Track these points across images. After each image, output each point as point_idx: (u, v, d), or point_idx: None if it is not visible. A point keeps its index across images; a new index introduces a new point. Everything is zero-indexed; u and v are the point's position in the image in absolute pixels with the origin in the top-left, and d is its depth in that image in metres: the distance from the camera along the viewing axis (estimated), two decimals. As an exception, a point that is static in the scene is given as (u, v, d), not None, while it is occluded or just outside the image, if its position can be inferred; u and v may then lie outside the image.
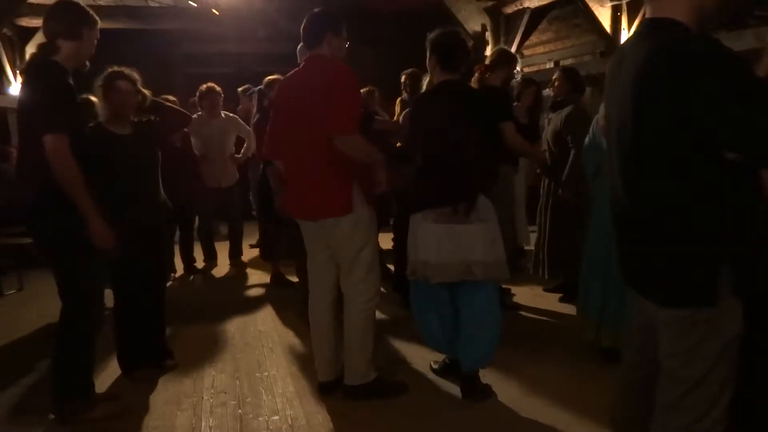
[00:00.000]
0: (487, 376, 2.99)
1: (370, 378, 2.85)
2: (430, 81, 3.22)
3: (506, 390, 2.91)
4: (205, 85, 5.51)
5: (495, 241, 2.73)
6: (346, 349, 2.84)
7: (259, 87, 4.81)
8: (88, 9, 2.65)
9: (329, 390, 2.92)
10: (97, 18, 2.68)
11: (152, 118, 3.22)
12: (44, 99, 2.45)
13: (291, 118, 2.72)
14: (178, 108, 3.70)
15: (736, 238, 1.44)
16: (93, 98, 3.64)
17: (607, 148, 1.80)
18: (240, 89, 6.22)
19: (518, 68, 4.61)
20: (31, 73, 2.54)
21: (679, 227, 1.45)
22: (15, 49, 7.48)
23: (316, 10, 2.74)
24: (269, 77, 4.78)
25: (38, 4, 6.10)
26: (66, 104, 2.46)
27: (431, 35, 2.88)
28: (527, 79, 5.20)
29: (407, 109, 3.19)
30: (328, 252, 2.85)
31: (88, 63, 2.67)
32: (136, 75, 3.07)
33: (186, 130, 5.16)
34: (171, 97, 4.95)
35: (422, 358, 3.32)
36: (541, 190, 4.41)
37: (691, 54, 1.33)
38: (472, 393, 2.83)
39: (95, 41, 2.68)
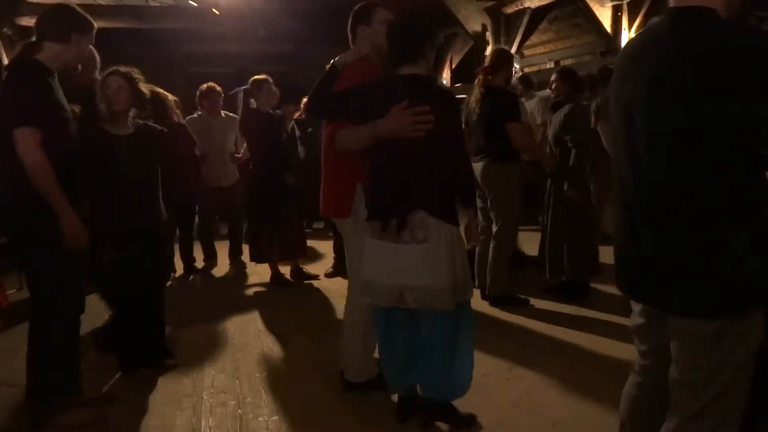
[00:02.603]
0: (490, 376, 2.99)
1: (373, 374, 2.85)
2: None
3: (512, 389, 2.90)
4: (205, 85, 5.52)
5: (435, 265, 2.28)
6: (348, 346, 2.85)
7: (244, 87, 4.81)
8: (83, 15, 2.61)
9: (357, 389, 2.89)
10: (93, 24, 2.64)
11: (158, 126, 3.22)
12: (17, 94, 2.43)
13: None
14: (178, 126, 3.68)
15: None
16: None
17: (614, 147, 1.64)
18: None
19: (516, 66, 4.61)
20: (9, 72, 2.52)
21: (716, 232, 1.36)
22: (15, 48, 7.49)
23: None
24: (255, 77, 4.78)
25: (38, 4, 6.10)
26: (40, 100, 2.43)
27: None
28: None
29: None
30: None
31: (80, 66, 2.65)
32: (134, 73, 3.04)
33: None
34: (171, 96, 4.96)
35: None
36: (546, 189, 4.41)
37: (747, 47, 1.28)
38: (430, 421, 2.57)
39: (87, 47, 2.64)
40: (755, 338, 1.44)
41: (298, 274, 5.11)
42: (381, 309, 2.51)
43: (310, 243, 6.35)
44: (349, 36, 2.76)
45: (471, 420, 2.59)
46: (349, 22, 2.75)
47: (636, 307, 1.68)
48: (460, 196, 2.48)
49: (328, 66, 2.53)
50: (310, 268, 5.31)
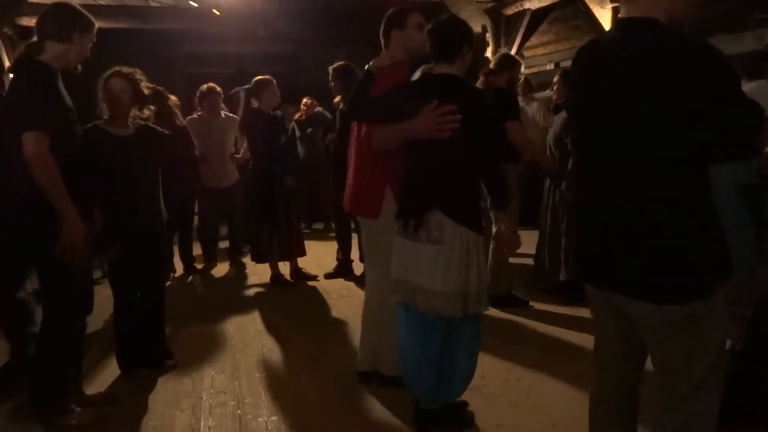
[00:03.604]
0: (490, 377, 2.99)
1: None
2: None
3: (511, 389, 2.91)
4: (205, 85, 5.52)
5: (447, 268, 2.28)
6: (382, 341, 2.90)
7: (246, 86, 4.81)
8: (83, 13, 2.61)
9: (367, 379, 2.99)
10: (93, 22, 2.64)
11: (159, 128, 3.22)
12: (24, 97, 2.43)
13: None
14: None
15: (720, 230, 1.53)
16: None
17: (579, 145, 1.71)
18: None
19: (522, 71, 4.62)
20: (15, 73, 2.53)
21: (687, 223, 1.46)
22: (15, 49, 7.48)
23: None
24: (259, 77, 4.79)
25: (38, 4, 6.10)
26: (47, 103, 2.43)
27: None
28: None
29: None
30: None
31: (79, 66, 2.64)
32: (137, 74, 3.05)
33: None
34: (173, 97, 4.96)
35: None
36: (545, 190, 4.42)
37: (706, 55, 1.40)
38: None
39: (88, 45, 2.64)
40: (724, 320, 1.56)
41: (298, 274, 5.11)
42: (407, 307, 2.47)
43: (310, 243, 6.36)
44: (382, 40, 2.80)
45: (469, 419, 2.61)
46: (382, 26, 2.79)
47: (598, 303, 1.73)
48: (490, 198, 2.48)
49: (364, 70, 2.59)
50: (310, 269, 5.32)
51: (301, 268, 5.17)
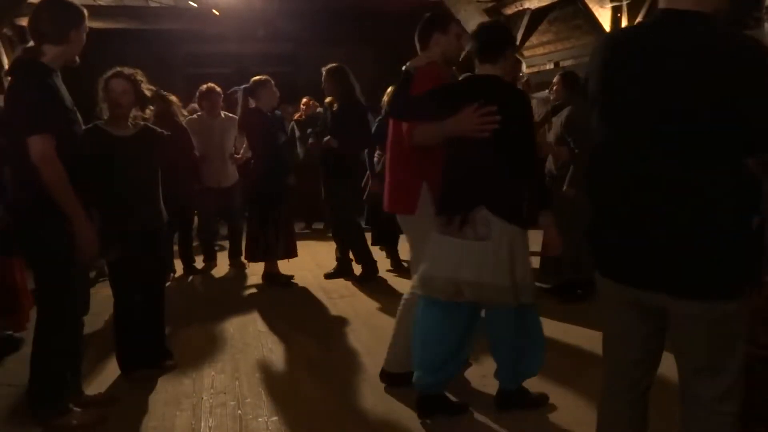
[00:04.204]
0: (490, 377, 2.99)
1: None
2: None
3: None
4: (205, 86, 5.51)
5: (496, 263, 2.37)
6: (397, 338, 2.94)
7: (244, 86, 4.81)
8: (75, 7, 2.56)
9: (397, 382, 2.95)
10: (84, 11, 2.60)
11: (160, 129, 3.23)
12: (27, 101, 2.42)
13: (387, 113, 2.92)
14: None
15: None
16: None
17: (605, 138, 1.65)
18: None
19: (523, 70, 4.62)
20: (13, 76, 2.51)
21: (735, 217, 1.45)
22: (15, 49, 7.49)
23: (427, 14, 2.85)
24: (257, 77, 4.79)
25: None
26: (49, 105, 2.43)
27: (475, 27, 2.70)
28: None
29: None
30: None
31: (77, 59, 2.63)
32: (138, 75, 3.04)
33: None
34: (173, 97, 4.97)
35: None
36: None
37: (759, 52, 1.40)
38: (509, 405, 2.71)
39: (83, 39, 2.61)
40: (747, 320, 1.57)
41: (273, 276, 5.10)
42: (434, 303, 2.53)
43: (310, 243, 6.36)
44: (419, 39, 2.86)
45: (543, 399, 2.75)
46: (423, 26, 2.85)
47: (622, 304, 1.68)
48: (533, 197, 2.51)
49: (402, 71, 2.66)
50: (310, 268, 5.31)
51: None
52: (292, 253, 5.03)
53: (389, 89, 4.99)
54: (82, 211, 2.49)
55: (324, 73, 4.81)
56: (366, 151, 5.06)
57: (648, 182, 1.51)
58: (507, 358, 2.64)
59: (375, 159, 5.07)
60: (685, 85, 1.42)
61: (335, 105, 4.92)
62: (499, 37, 2.53)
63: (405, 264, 5.17)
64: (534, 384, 2.95)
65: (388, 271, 5.30)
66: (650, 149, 1.50)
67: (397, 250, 5.37)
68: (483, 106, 2.33)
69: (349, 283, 4.99)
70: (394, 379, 2.96)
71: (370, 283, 4.97)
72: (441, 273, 2.45)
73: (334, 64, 4.82)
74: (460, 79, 2.74)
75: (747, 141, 1.43)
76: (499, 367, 2.70)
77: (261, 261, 5.05)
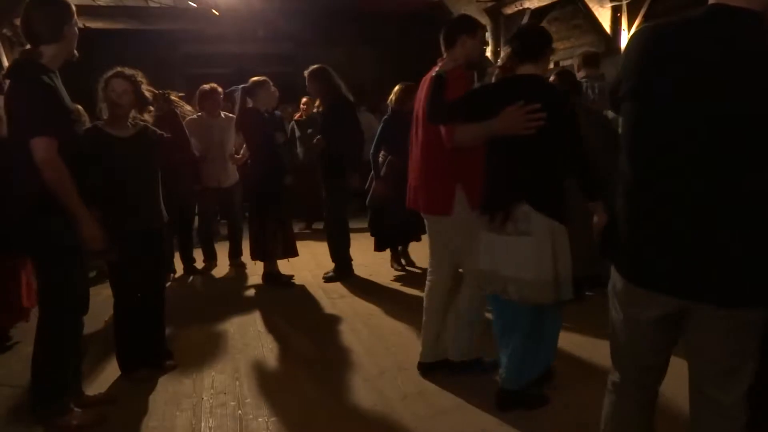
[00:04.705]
0: (490, 376, 2.99)
1: (472, 356, 3.03)
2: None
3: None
4: (207, 86, 5.50)
5: (538, 258, 2.43)
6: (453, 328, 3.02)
7: (242, 85, 4.81)
8: (63, 2, 2.55)
9: (427, 371, 3.08)
10: (71, 5, 2.58)
11: (159, 131, 3.23)
12: (29, 103, 2.42)
13: (417, 116, 3.00)
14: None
15: None
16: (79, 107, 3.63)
17: (638, 140, 1.57)
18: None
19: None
20: (13, 78, 2.51)
21: None
22: (15, 49, 7.49)
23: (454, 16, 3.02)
24: (255, 77, 4.79)
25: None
26: (51, 107, 2.44)
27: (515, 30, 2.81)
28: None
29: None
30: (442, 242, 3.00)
31: (76, 53, 2.63)
32: (139, 76, 3.05)
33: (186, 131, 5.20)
34: (174, 96, 4.96)
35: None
36: None
37: None
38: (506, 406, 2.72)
39: (77, 31, 2.60)
40: None
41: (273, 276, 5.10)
42: (497, 297, 2.62)
43: (310, 243, 6.36)
44: (445, 40, 2.90)
45: (544, 401, 2.75)
46: (450, 27, 2.92)
47: (645, 312, 1.61)
48: (583, 189, 2.52)
49: (434, 76, 2.71)
50: (310, 268, 5.31)
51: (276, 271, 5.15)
52: (291, 252, 5.03)
53: (396, 88, 4.99)
54: (85, 209, 2.51)
55: (306, 75, 4.80)
56: (371, 153, 5.03)
57: (693, 190, 1.45)
58: (515, 357, 2.64)
59: (380, 160, 5.00)
60: (748, 87, 1.37)
61: (322, 106, 4.93)
62: (540, 37, 2.63)
63: (409, 267, 5.15)
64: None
65: (396, 273, 5.29)
66: (697, 153, 1.43)
67: (401, 252, 5.32)
68: (526, 105, 2.40)
69: (348, 283, 4.99)
70: (429, 369, 3.07)
71: (345, 281, 4.98)
72: (488, 268, 2.56)
73: (315, 66, 4.81)
74: (500, 79, 2.81)
75: None
76: (504, 366, 2.69)
77: (264, 260, 5.05)
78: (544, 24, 7.67)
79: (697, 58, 1.44)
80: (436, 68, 2.77)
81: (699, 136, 1.43)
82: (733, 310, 1.47)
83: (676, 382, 1.88)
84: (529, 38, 2.63)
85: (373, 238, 5.31)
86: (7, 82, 2.54)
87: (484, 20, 8.11)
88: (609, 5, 6.15)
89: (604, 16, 6.24)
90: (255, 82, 4.76)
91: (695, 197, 1.45)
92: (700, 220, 1.44)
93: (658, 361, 1.70)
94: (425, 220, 3.07)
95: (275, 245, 4.88)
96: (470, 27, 2.91)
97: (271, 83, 4.84)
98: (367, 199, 5.14)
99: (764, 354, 1.61)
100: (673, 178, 1.48)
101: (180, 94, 5.12)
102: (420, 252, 5.24)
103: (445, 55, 2.89)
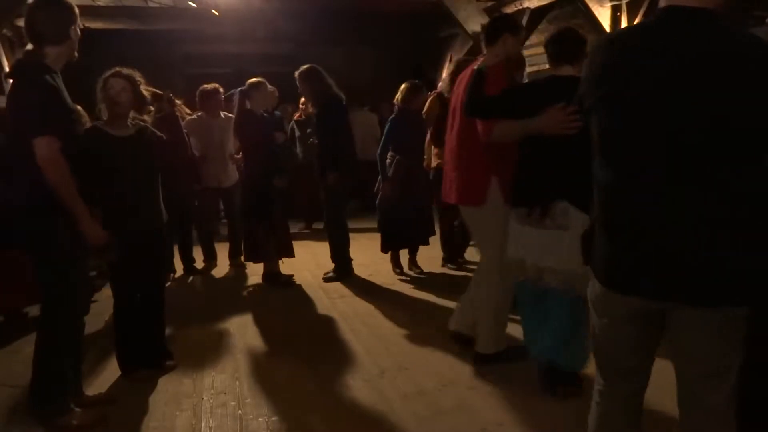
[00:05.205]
0: (491, 376, 2.99)
1: (501, 348, 3.12)
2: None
3: (513, 389, 2.91)
4: (209, 86, 5.49)
5: (576, 250, 2.51)
6: (484, 321, 3.12)
7: (241, 88, 4.81)
8: (66, 2, 2.55)
9: (489, 361, 3.13)
10: (75, 7, 2.59)
11: (159, 133, 3.23)
12: (32, 103, 2.43)
13: (454, 108, 3.13)
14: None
15: None
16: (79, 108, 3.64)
17: (612, 144, 1.59)
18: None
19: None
20: (16, 78, 2.52)
21: (755, 226, 1.43)
22: (15, 50, 7.48)
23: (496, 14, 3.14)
24: (251, 79, 4.79)
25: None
26: (54, 107, 2.44)
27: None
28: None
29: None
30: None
31: (76, 54, 2.63)
32: (136, 76, 3.05)
33: (186, 131, 5.20)
34: (179, 101, 4.97)
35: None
36: None
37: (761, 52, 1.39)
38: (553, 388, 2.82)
39: (79, 33, 2.61)
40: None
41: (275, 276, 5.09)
42: (526, 284, 2.76)
43: (310, 243, 6.36)
44: (487, 37, 3.01)
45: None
46: (494, 25, 3.05)
47: (624, 316, 1.62)
48: None
49: (474, 70, 2.83)
50: (310, 268, 5.31)
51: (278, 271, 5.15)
52: (287, 253, 5.02)
53: (402, 87, 4.98)
54: (87, 209, 2.53)
55: (297, 76, 4.79)
56: (378, 153, 4.99)
57: (667, 191, 1.45)
58: (556, 341, 2.71)
59: (387, 161, 4.96)
60: (711, 88, 1.38)
61: (314, 106, 4.92)
62: (576, 40, 2.74)
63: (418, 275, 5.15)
64: (534, 384, 2.95)
65: (399, 275, 5.29)
66: (671, 155, 1.43)
67: (410, 258, 5.26)
68: (567, 106, 2.45)
69: (349, 283, 4.99)
70: (486, 360, 3.13)
71: (345, 281, 4.98)
72: (522, 257, 2.67)
73: (305, 66, 4.80)
74: (541, 79, 2.90)
75: (761, 141, 1.40)
76: (545, 350, 2.77)
77: (257, 261, 5.05)
78: (543, 24, 7.69)
79: (657, 65, 1.44)
80: (477, 63, 2.89)
81: (668, 141, 1.44)
82: (709, 309, 1.48)
83: (663, 383, 1.89)
84: (566, 42, 2.72)
85: (373, 239, 5.30)
86: (10, 81, 2.55)
87: (484, 20, 8.09)
88: (609, 5, 6.14)
89: (603, 16, 6.24)
90: (250, 84, 4.75)
91: (667, 200, 1.46)
92: (673, 222, 1.45)
93: (641, 364, 1.69)
94: (463, 214, 3.22)
95: (269, 246, 4.86)
96: (514, 26, 3.04)
97: (268, 84, 4.84)
98: (377, 200, 5.09)
99: (754, 354, 1.63)
100: (644, 182, 1.49)
101: (178, 102, 5.12)
102: (426, 256, 5.25)
103: (485, 51, 3.01)
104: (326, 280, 5.08)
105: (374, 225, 5.28)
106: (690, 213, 1.43)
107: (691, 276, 1.46)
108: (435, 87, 6.53)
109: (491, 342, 3.12)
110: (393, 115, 5.04)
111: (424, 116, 5.09)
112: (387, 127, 5.00)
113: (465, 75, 3.06)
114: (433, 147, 5.00)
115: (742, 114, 1.37)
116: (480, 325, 3.14)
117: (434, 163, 5.04)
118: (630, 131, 1.50)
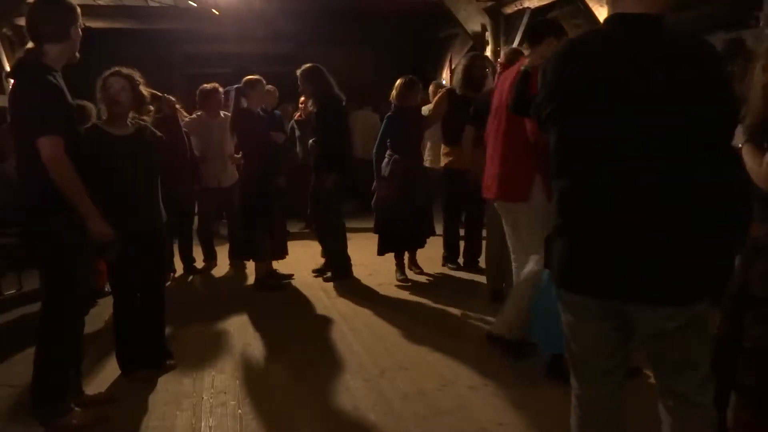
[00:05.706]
0: (491, 376, 2.99)
1: (512, 336, 3.17)
2: None
3: (513, 389, 2.91)
4: (209, 85, 5.49)
5: None
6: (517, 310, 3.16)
7: (236, 86, 4.79)
8: (68, 2, 2.56)
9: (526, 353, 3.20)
10: (76, 6, 2.59)
11: (158, 133, 3.23)
12: (35, 102, 2.43)
13: (498, 107, 3.24)
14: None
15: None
16: (87, 103, 3.65)
17: (569, 147, 1.62)
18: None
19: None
20: (18, 77, 2.52)
21: (717, 219, 1.47)
22: (15, 49, 7.48)
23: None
24: (248, 77, 4.77)
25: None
26: (57, 106, 2.44)
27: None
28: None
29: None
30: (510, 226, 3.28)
31: (77, 54, 2.63)
32: (136, 75, 3.05)
33: (186, 130, 5.20)
34: (172, 98, 4.97)
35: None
36: None
37: (711, 52, 1.48)
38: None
39: (80, 33, 2.62)
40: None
41: (273, 275, 5.09)
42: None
43: (309, 243, 6.35)
44: (531, 37, 3.14)
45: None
46: (539, 26, 3.24)
47: (590, 317, 1.64)
48: None
49: (520, 71, 2.93)
50: (310, 268, 5.31)
51: (276, 270, 5.13)
52: (281, 254, 5.01)
53: (397, 82, 4.93)
54: (93, 206, 2.53)
55: (299, 75, 4.77)
56: (374, 152, 4.89)
57: (627, 193, 1.48)
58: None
59: (384, 162, 4.84)
60: (661, 92, 1.44)
61: (314, 106, 4.90)
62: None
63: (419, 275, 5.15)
64: (534, 384, 2.95)
65: (400, 277, 5.28)
66: (629, 159, 1.48)
67: (409, 260, 5.22)
68: None
69: (348, 283, 4.98)
70: (492, 339, 3.26)
71: (344, 281, 4.95)
72: None
73: (307, 65, 4.77)
74: None
75: (710, 141, 1.46)
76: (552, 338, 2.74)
77: (248, 260, 5.02)
78: (543, 24, 7.69)
79: (609, 71, 1.50)
80: (521, 64, 3.01)
81: (624, 145, 1.49)
82: (668, 307, 1.51)
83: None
84: None
85: (372, 238, 5.26)
86: (11, 81, 2.55)
87: (484, 20, 8.10)
88: (609, 5, 6.15)
89: (604, 16, 6.23)
90: (247, 82, 4.72)
91: (622, 203, 1.49)
92: (630, 224, 1.49)
93: (615, 364, 1.69)
94: (499, 210, 3.29)
95: (265, 246, 4.85)
96: (559, 30, 3.13)
97: (265, 83, 4.83)
98: (372, 201, 4.98)
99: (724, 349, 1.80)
100: (599, 186, 1.53)
101: (177, 106, 5.11)
102: (426, 256, 5.24)
103: (527, 52, 3.12)
104: (326, 279, 5.07)
105: (372, 225, 5.22)
106: (647, 216, 1.47)
107: (649, 276, 1.49)
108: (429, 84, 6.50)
109: (505, 325, 3.19)
110: (389, 113, 4.93)
111: (432, 113, 5.06)
112: (383, 124, 4.90)
113: (508, 76, 3.20)
114: (443, 146, 4.95)
115: (696, 113, 1.43)
116: (515, 315, 3.17)
117: (443, 162, 5.00)
118: (586, 138, 1.55)
